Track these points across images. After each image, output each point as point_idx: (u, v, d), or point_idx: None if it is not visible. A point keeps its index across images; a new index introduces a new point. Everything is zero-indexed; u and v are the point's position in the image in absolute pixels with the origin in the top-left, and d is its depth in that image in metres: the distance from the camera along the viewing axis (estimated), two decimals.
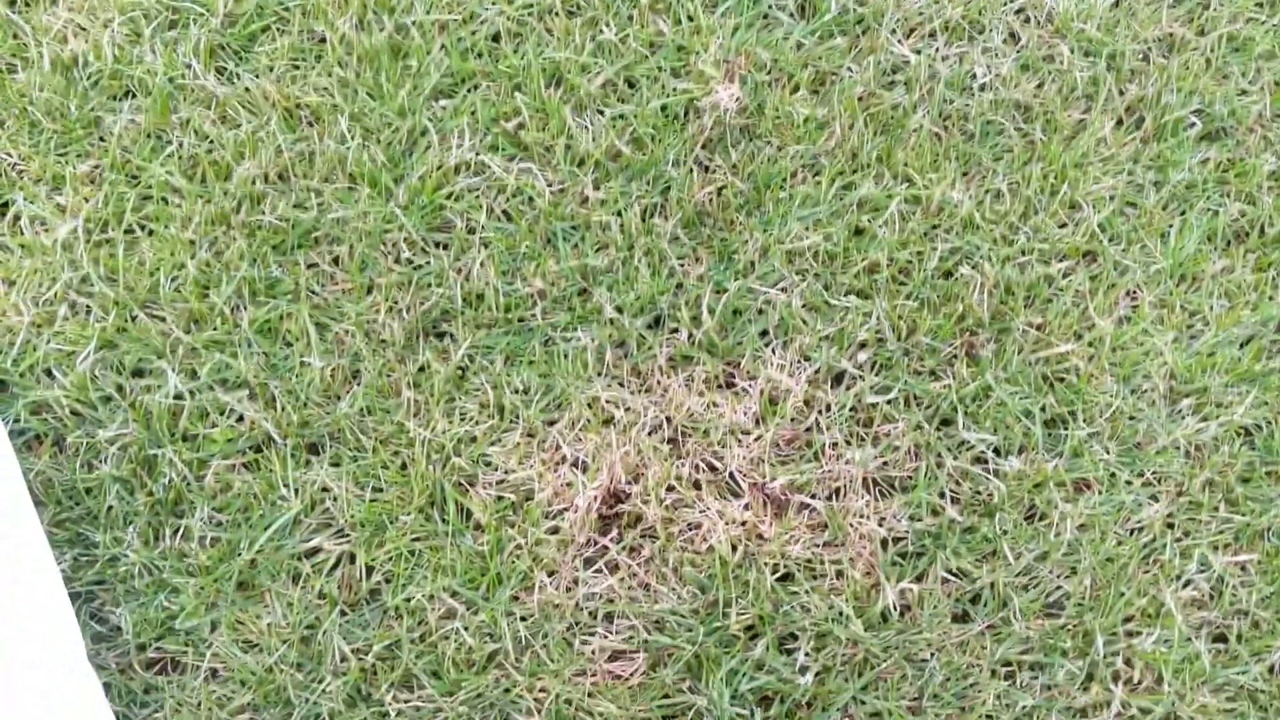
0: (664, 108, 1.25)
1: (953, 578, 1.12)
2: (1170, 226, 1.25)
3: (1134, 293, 1.23)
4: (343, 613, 1.09)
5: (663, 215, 1.22)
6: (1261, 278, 1.24)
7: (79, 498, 1.11)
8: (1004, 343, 1.18)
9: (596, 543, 1.12)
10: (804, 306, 1.19)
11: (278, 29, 1.27)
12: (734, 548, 1.11)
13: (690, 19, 1.29)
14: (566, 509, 1.12)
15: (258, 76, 1.24)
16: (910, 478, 1.15)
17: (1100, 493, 1.15)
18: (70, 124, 1.22)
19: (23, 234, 1.18)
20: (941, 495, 1.14)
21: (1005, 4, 1.32)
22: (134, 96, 1.24)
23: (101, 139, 1.23)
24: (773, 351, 1.18)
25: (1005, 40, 1.31)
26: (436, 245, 1.20)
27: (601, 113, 1.25)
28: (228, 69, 1.25)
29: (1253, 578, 1.14)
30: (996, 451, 1.16)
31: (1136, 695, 1.10)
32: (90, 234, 1.19)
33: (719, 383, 1.18)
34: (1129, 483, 1.15)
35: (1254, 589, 1.13)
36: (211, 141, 1.22)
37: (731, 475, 1.14)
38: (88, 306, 1.16)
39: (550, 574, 1.10)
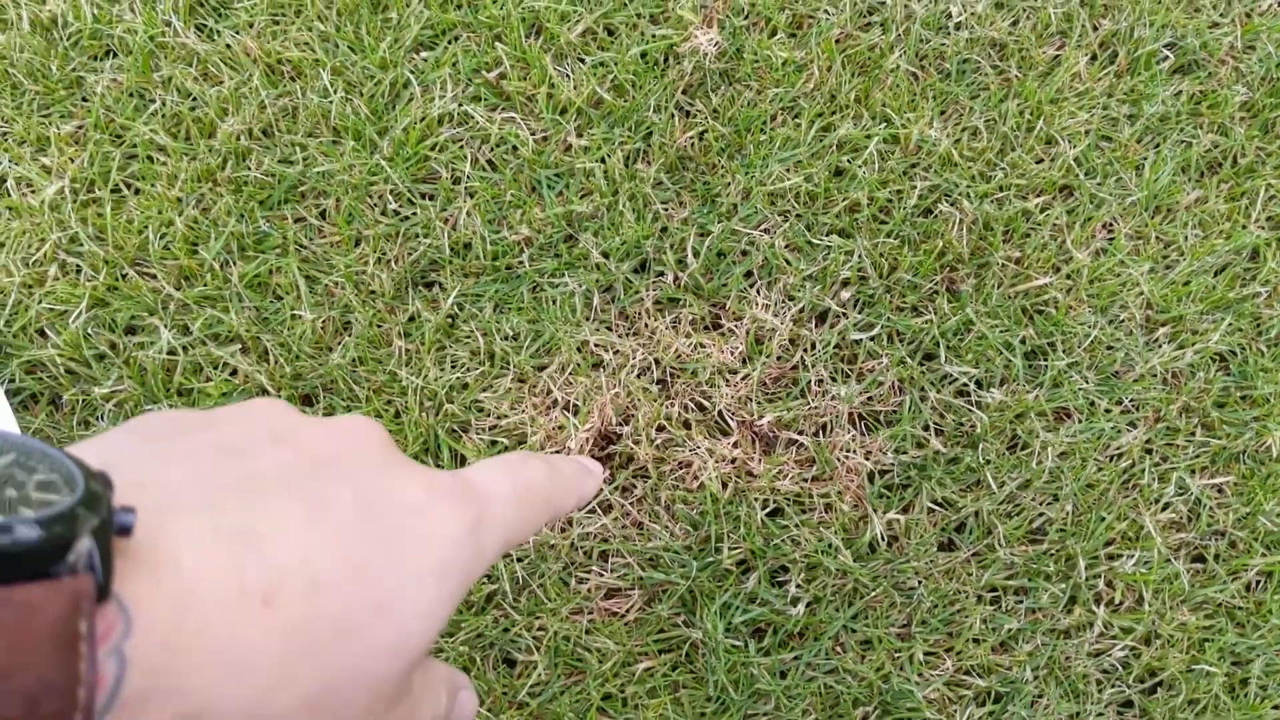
0: (644, 54, 1.26)
1: (938, 508, 1.15)
2: (1145, 159, 1.27)
3: (1110, 225, 1.25)
4: None
5: (645, 160, 1.23)
6: (1234, 207, 1.26)
7: None
8: (984, 277, 1.20)
9: None
10: (787, 247, 1.21)
11: None
12: (724, 485, 1.13)
13: None
14: (559, 451, 1.14)
15: (238, 33, 1.24)
16: (895, 412, 1.17)
17: (1080, 421, 1.18)
18: (52, 85, 1.22)
19: (9, 196, 1.18)
20: (925, 428, 1.16)
21: None
22: (115, 56, 1.24)
23: (84, 99, 1.23)
24: (757, 292, 1.19)
25: None
26: (422, 196, 1.21)
27: (582, 60, 1.26)
28: (208, 26, 1.25)
29: (1229, 499, 1.17)
30: (978, 384, 1.18)
31: (1118, 615, 1.13)
32: (77, 194, 1.19)
33: (705, 324, 1.20)
34: (1108, 410, 1.18)
35: (1230, 510, 1.17)
36: (194, 99, 1.23)
37: (720, 414, 1.16)
38: (78, 266, 1.17)
39: None
